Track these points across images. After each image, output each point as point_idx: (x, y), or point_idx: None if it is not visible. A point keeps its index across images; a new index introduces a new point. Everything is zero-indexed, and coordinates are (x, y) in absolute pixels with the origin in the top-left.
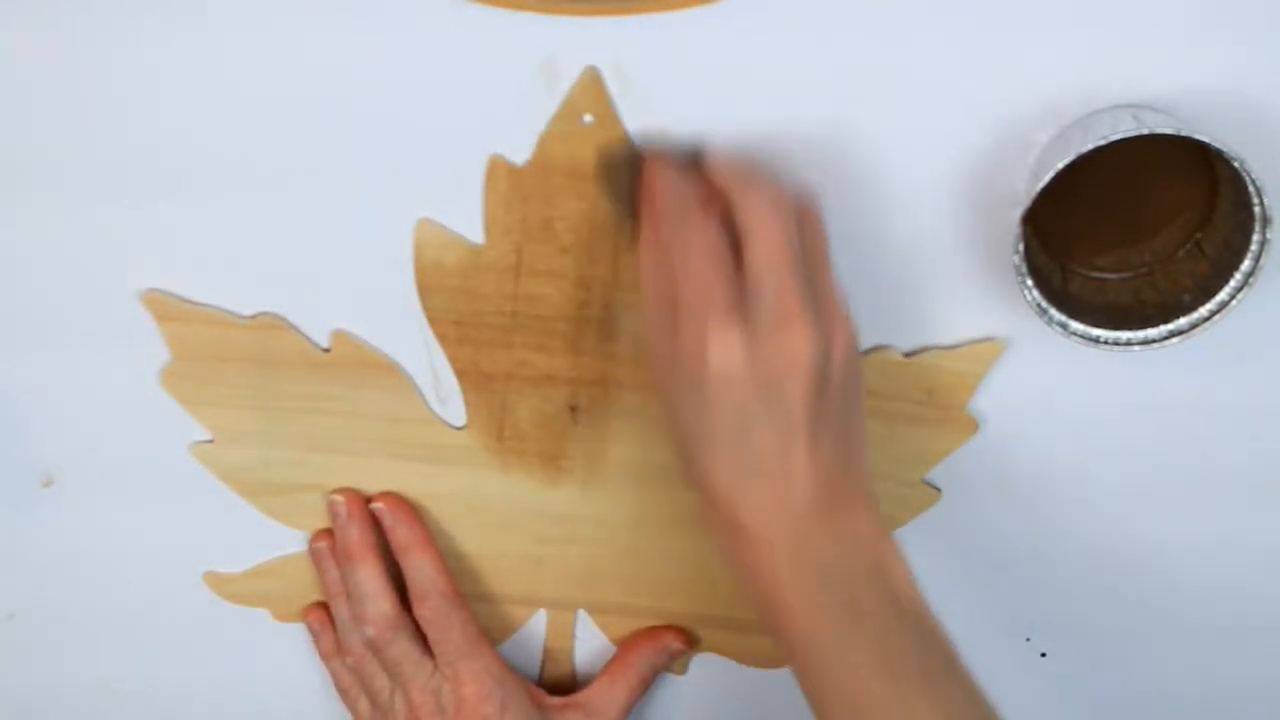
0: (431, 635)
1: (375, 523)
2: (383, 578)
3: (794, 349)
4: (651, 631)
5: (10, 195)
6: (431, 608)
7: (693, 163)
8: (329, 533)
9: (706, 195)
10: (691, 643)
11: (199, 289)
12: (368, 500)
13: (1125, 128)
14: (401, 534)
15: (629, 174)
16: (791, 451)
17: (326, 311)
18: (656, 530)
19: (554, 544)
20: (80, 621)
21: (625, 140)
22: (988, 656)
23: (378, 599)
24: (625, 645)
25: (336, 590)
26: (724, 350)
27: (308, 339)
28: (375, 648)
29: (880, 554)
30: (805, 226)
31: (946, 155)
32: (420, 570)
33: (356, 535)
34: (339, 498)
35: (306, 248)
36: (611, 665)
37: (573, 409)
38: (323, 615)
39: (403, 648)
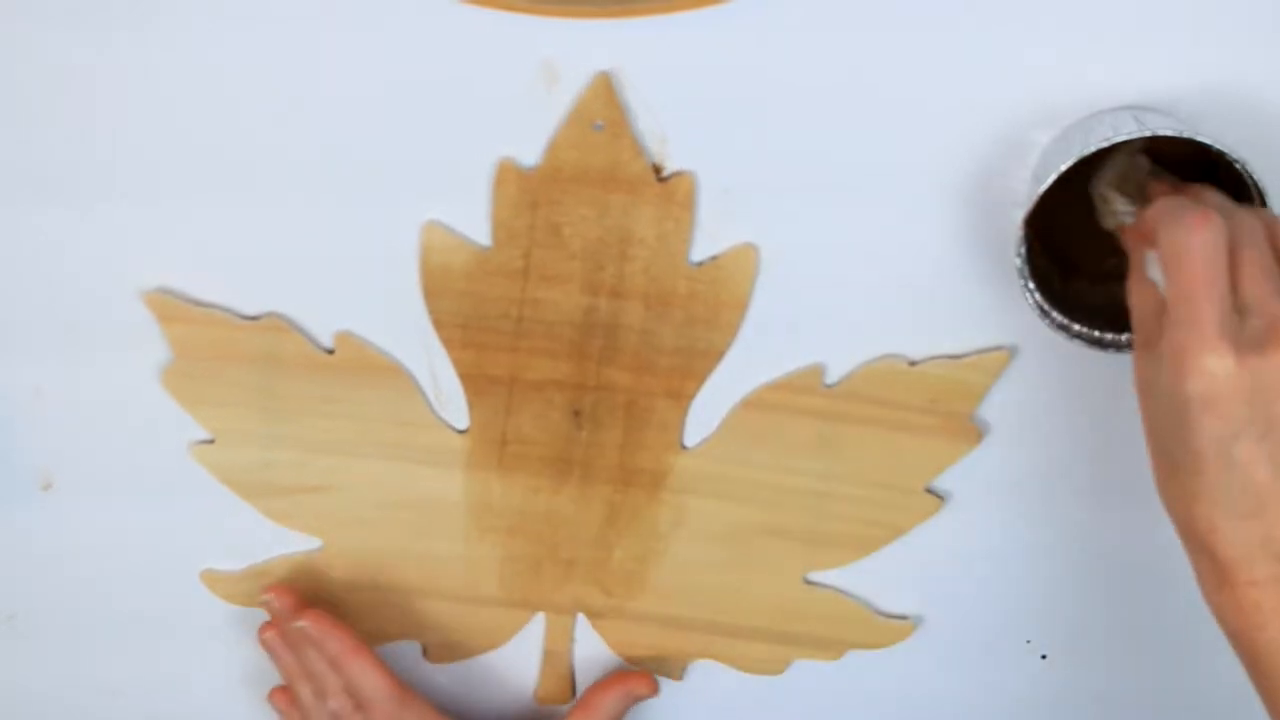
0: None
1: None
2: None
3: None
4: (621, 675)
5: (11, 195)
6: (382, 712)
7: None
8: (274, 624)
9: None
10: (655, 689)
11: (202, 289)
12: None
13: (1126, 129)
14: (332, 647)
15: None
16: (1275, 488)
17: (330, 313)
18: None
19: (554, 548)
20: (80, 621)
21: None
22: (989, 660)
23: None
24: (593, 688)
25: (296, 672)
26: (1204, 376)
27: (311, 340)
28: (339, 719)
29: None
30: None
31: (947, 157)
32: (361, 676)
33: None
34: (270, 596)
35: (310, 249)
36: (578, 707)
37: (576, 414)
38: (287, 696)
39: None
